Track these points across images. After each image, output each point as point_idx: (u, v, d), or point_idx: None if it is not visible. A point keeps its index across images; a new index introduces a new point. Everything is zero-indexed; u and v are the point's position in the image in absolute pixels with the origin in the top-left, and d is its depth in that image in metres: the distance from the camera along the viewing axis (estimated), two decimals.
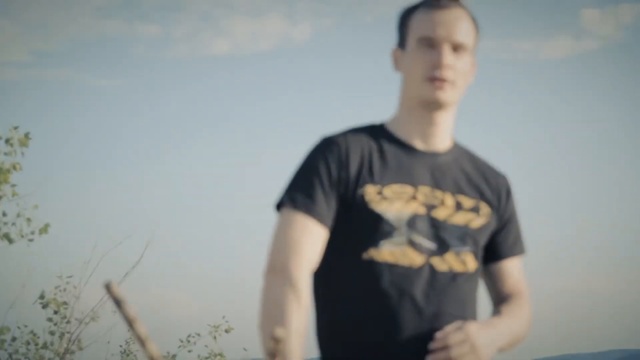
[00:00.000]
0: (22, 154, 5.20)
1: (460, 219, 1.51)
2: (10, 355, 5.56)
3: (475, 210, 1.53)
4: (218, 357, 6.10)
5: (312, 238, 1.41)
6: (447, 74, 1.47)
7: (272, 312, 1.33)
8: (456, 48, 1.50)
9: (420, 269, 1.44)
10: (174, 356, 6.11)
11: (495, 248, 1.60)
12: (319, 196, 1.43)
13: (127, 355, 7.34)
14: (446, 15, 1.52)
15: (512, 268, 1.63)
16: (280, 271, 1.36)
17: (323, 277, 1.48)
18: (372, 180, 1.47)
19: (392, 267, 1.44)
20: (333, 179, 1.45)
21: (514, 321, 1.54)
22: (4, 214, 5.27)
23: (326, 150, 1.48)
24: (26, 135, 5.16)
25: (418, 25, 1.54)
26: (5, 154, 5.10)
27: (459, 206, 1.52)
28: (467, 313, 1.48)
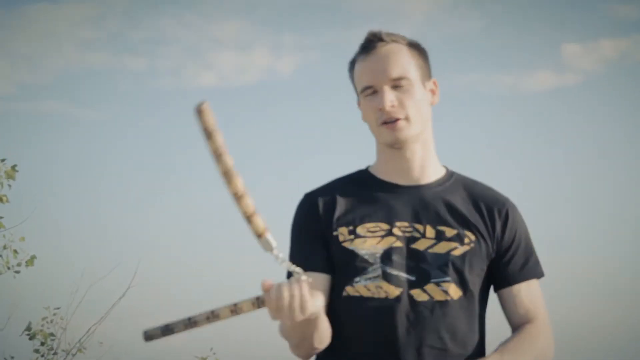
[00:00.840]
0: (9, 186, 5.30)
1: (441, 248, 1.53)
2: None
3: (457, 238, 1.54)
4: None
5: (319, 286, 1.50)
6: (393, 114, 1.50)
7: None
8: (396, 84, 1.52)
9: (397, 300, 1.47)
10: None
11: (501, 274, 1.59)
12: (311, 253, 1.53)
13: None
14: (376, 58, 1.55)
15: (521, 294, 1.60)
16: None
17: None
18: (346, 223, 1.54)
19: (367, 300, 1.48)
20: (316, 233, 1.54)
21: (516, 356, 1.50)
22: None
23: (304, 208, 1.58)
24: (13, 168, 5.27)
25: (358, 77, 1.58)
26: None
27: (440, 236, 1.54)
28: (456, 341, 1.49)
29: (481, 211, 1.57)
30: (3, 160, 5.23)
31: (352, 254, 1.51)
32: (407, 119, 1.50)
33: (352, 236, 1.53)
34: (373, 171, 1.61)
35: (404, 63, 1.53)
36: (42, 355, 5.61)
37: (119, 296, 5.63)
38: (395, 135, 1.50)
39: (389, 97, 1.48)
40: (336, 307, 1.52)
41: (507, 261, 1.57)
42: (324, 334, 1.47)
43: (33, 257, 5.45)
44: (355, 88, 1.60)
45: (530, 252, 1.61)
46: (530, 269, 1.59)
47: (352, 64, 1.61)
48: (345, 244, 1.53)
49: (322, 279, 1.51)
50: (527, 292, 1.58)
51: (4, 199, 5.25)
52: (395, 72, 1.50)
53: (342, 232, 1.54)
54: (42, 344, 5.66)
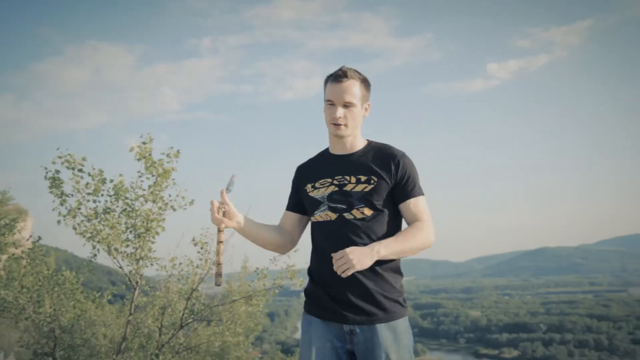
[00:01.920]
0: (177, 162, 7.64)
1: (359, 188, 2.38)
2: (179, 272, 8.40)
3: (367, 181, 2.38)
4: (292, 267, 8.52)
5: (283, 217, 2.64)
6: (340, 121, 2.37)
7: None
8: (346, 105, 2.36)
9: (335, 220, 2.39)
10: (267, 268, 8.65)
11: (398, 195, 2.40)
12: (290, 198, 2.63)
13: (245, 269, 10.90)
14: (338, 87, 2.35)
15: (410, 205, 2.39)
16: None
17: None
18: (310, 181, 2.51)
19: (320, 223, 2.44)
20: (296, 189, 2.60)
21: (402, 239, 2.30)
22: (170, 195, 7.73)
23: (294, 174, 2.63)
24: (177, 152, 7.68)
25: (327, 91, 2.39)
26: (167, 162, 7.59)
27: (358, 181, 2.38)
28: (373, 239, 2.33)
29: (383, 161, 2.41)
30: (171, 147, 7.67)
31: (313, 199, 2.47)
32: (346, 125, 2.38)
33: (312, 189, 2.48)
34: (329, 148, 2.54)
35: (354, 94, 2.35)
36: (202, 254, 8.37)
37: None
38: (337, 132, 2.39)
39: (339, 112, 2.35)
40: (311, 229, 2.53)
41: (400, 187, 2.39)
42: (259, 241, 2.50)
43: (193, 200, 7.70)
44: (324, 95, 2.41)
45: (415, 182, 2.41)
46: (415, 191, 2.40)
47: (326, 81, 2.42)
48: (310, 194, 2.49)
49: (289, 214, 2.61)
50: (414, 204, 2.39)
51: (174, 169, 7.66)
52: (347, 99, 2.34)
53: (308, 187, 2.51)
54: (202, 248, 8.36)
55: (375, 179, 2.38)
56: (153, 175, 7.60)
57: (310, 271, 2.52)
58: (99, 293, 8.94)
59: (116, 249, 7.55)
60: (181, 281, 8.88)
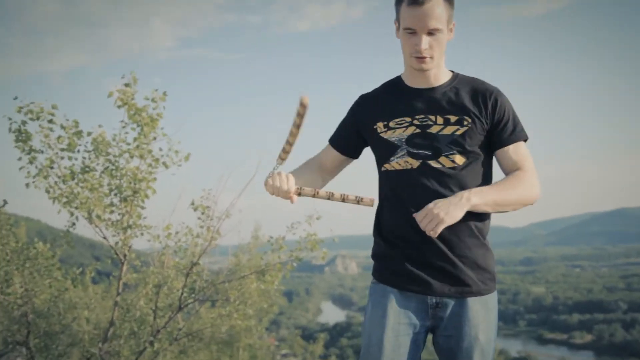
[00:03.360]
0: (164, 107, 7.71)
1: (448, 130, 2.39)
2: (175, 243, 8.58)
3: (459, 122, 2.39)
4: (313, 236, 8.75)
5: (325, 152, 2.70)
6: (425, 53, 2.36)
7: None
8: (431, 32, 2.34)
9: (418, 168, 2.39)
10: (283, 238, 8.87)
11: (495, 140, 2.43)
12: (339, 132, 2.67)
13: (256, 239, 11.03)
14: (421, 11, 2.32)
15: (509, 152, 2.42)
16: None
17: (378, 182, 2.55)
18: (382, 119, 2.49)
19: (398, 172, 2.44)
20: (352, 124, 2.60)
21: (500, 188, 2.35)
22: (160, 149, 7.77)
23: (354, 104, 2.62)
24: (164, 94, 7.69)
25: (404, 17, 2.36)
26: (153, 108, 7.60)
27: (446, 122, 2.40)
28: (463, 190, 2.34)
29: (476, 99, 2.42)
30: (156, 90, 7.68)
31: (387, 142, 2.47)
32: (432, 57, 2.39)
33: (385, 129, 2.47)
34: (404, 78, 2.54)
35: (439, 17, 2.33)
36: (203, 221, 8.55)
37: (249, 179, 8.38)
38: (421, 67, 2.41)
39: (425, 42, 2.35)
40: (381, 177, 2.53)
41: (499, 131, 2.42)
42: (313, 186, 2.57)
43: (188, 154, 7.87)
44: (397, 18, 2.42)
45: (515, 123, 2.44)
46: (517, 134, 2.43)
47: (399, 1, 2.41)
48: (382, 134, 2.48)
49: (334, 153, 2.68)
50: (515, 150, 2.42)
51: (160, 115, 7.70)
52: (432, 24, 2.32)
53: (379, 126, 2.49)
54: (202, 213, 8.49)
55: (469, 120, 2.40)
56: (138, 125, 7.64)
57: (380, 229, 2.54)
58: (80, 270, 8.99)
59: (98, 216, 7.63)
60: (179, 254, 9.00)
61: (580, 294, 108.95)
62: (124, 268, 8.37)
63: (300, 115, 2.22)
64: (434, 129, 2.40)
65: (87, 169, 7.65)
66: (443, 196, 2.33)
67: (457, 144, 2.38)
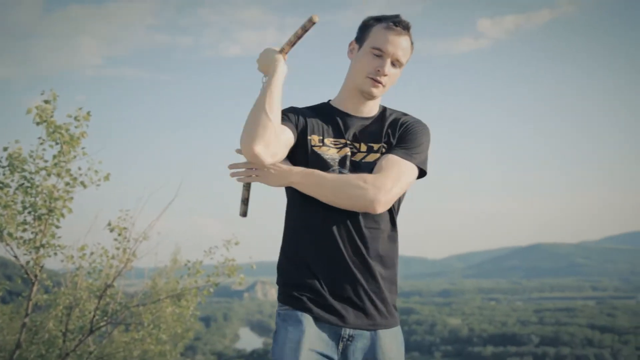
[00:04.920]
0: (87, 125, 7.60)
1: (370, 158, 2.46)
2: (90, 264, 8.52)
3: (379, 150, 2.47)
4: (231, 261, 8.84)
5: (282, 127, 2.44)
6: (383, 79, 2.42)
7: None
8: (394, 63, 2.43)
9: None
10: (200, 262, 8.89)
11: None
12: (288, 120, 2.47)
13: (174, 262, 10.91)
14: (397, 39, 2.40)
15: (381, 160, 2.43)
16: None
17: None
18: (317, 133, 2.48)
19: None
20: (293, 119, 2.50)
21: (328, 176, 2.38)
22: (80, 168, 7.66)
23: (289, 109, 2.53)
24: (88, 113, 7.60)
25: (376, 37, 2.41)
26: (76, 127, 7.48)
27: (369, 150, 2.47)
28: (378, 223, 2.43)
29: (394, 129, 2.50)
30: (80, 108, 7.57)
31: (320, 157, 2.46)
32: (385, 86, 2.46)
33: (320, 144, 2.47)
34: (334, 104, 2.58)
35: (407, 53, 2.45)
36: (119, 242, 8.47)
37: (169, 201, 8.57)
38: (371, 90, 2.46)
39: (388, 67, 2.42)
40: (292, 194, 2.50)
41: (393, 144, 2.49)
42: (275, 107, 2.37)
43: (108, 174, 7.80)
44: (364, 37, 2.47)
45: (414, 146, 2.47)
46: (403, 151, 2.45)
47: (376, 20, 2.46)
48: (315, 148, 2.47)
49: (289, 130, 2.46)
50: (385, 159, 2.43)
51: (84, 134, 7.61)
52: (400, 55, 2.42)
53: (314, 138, 2.49)
54: (119, 234, 8.43)
55: (386, 147, 2.47)
56: (57, 143, 7.51)
57: (293, 252, 2.49)
58: None
59: (10, 234, 7.43)
60: (92, 275, 8.91)
61: (495, 326, 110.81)
62: (34, 288, 8.15)
63: (304, 29, 2.40)
64: (357, 157, 2.45)
65: (0, 185, 7.46)
66: (359, 225, 2.40)
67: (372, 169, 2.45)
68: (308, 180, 2.36)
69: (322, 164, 2.44)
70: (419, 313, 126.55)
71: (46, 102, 7.39)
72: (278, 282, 2.52)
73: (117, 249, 8.63)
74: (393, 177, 2.36)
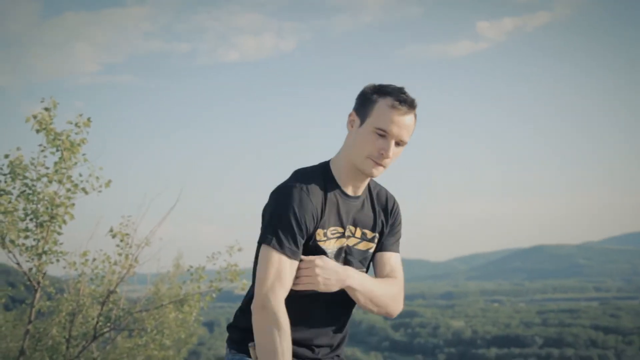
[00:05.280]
0: (87, 132, 7.65)
1: (363, 246, 2.41)
2: (92, 270, 8.56)
3: (372, 240, 2.42)
4: (234, 266, 8.83)
5: (292, 272, 2.22)
6: (385, 161, 2.28)
7: (265, 345, 2.10)
8: (398, 143, 2.28)
9: None
10: (203, 268, 8.88)
11: (382, 243, 2.45)
12: (298, 242, 2.21)
13: (177, 268, 10.92)
14: (402, 120, 2.25)
15: (391, 259, 2.44)
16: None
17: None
18: (322, 226, 2.30)
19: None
20: (305, 229, 2.23)
21: (376, 284, 2.34)
22: (80, 175, 7.71)
23: (300, 205, 2.21)
24: (88, 120, 7.67)
25: (379, 116, 2.25)
26: (76, 133, 7.55)
27: (363, 237, 2.40)
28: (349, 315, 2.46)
29: (382, 212, 2.46)
30: (81, 115, 7.65)
31: (319, 248, 2.31)
32: (386, 166, 2.32)
33: (325, 238, 2.32)
34: (334, 174, 2.37)
35: (410, 133, 2.31)
36: (121, 248, 8.48)
37: (171, 207, 8.61)
38: (373, 172, 2.31)
39: (393, 150, 2.27)
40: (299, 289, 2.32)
41: (388, 236, 2.46)
42: None
43: (109, 181, 7.84)
44: (366, 113, 2.29)
45: (400, 235, 2.50)
46: (399, 245, 2.48)
47: (379, 94, 2.29)
48: (320, 243, 2.32)
49: (293, 264, 2.22)
50: (395, 259, 2.46)
51: (84, 141, 7.65)
52: (405, 136, 2.29)
53: (319, 233, 2.31)
54: (121, 240, 8.45)
55: (378, 237, 2.47)
56: (58, 150, 7.53)
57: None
58: None
59: (12, 241, 7.46)
60: (95, 281, 8.94)
61: (498, 328, 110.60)
62: (37, 295, 8.17)
63: None
64: (351, 242, 2.40)
65: (2, 192, 7.48)
66: (346, 314, 2.45)
67: (366, 261, 2.46)
68: (363, 289, 2.32)
69: (319, 254, 2.33)
70: (422, 315, 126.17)
71: (46, 109, 7.43)
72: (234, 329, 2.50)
73: (120, 255, 8.63)
74: (403, 279, 2.48)
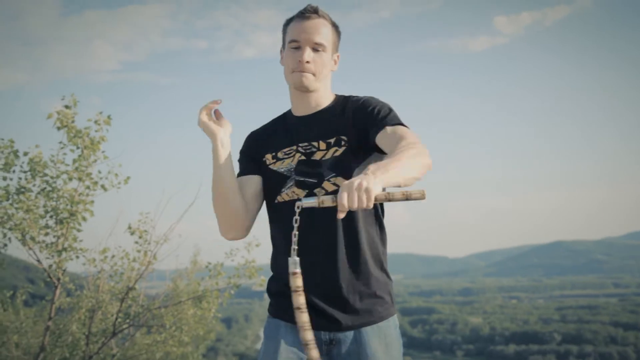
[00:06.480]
0: (107, 130, 7.70)
1: (329, 154, 2.32)
2: (111, 267, 8.62)
3: (337, 143, 2.33)
4: (252, 263, 8.96)
5: (241, 184, 2.39)
6: (307, 67, 2.32)
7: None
8: (315, 48, 2.33)
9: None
10: (221, 264, 8.99)
11: (370, 134, 2.28)
12: (243, 164, 2.47)
13: (195, 264, 10.97)
14: (307, 24, 2.32)
15: (387, 132, 2.21)
16: None
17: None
18: (269, 150, 2.44)
19: (286, 203, 2.34)
20: (246, 155, 2.49)
21: (395, 157, 1.95)
22: (100, 172, 7.79)
23: (243, 145, 2.53)
24: (108, 117, 7.72)
25: (289, 32, 2.36)
26: (96, 131, 7.59)
27: (328, 146, 2.34)
28: (352, 222, 2.29)
29: (349, 113, 2.38)
30: (101, 112, 7.70)
31: (276, 173, 2.39)
32: (314, 74, 2.34)
33: (274, 160, 2.42)
34: (292, 109, 2.49)
35: (325, 35, 2.34)
36: (140, 245, 8.56)
37: (190, 203, 8.53)
38: (302, 81, 2.34)
39: (308, 54, 2.32)
40: (272, 211, 2.42)
41: (370, 123, 2.29)
42: (230, 190, 2.33)
43: (128, 178, 7.83)
44: (284, 40, 2.41)
45: (387, 113, 2.29)
46: (391, 119, 2.26)
47: (288, 21, 2.40)
48: (270, 166, 2.42)
49: (248, 179, 2.42)
50: (393, 130, 2.21)
51: (104, 138, 7.70)
52: (317, 39, 2.32)
53: (268, 158, 2.44)
54: (140, 237, 8.51)
55: (346, 138, 2.33)
56: (78, 147, 7.58)
57: (273, 265, 2.45)
58: (11, 293, 8.88)
59: (32, 238, 7.52)
60: (114, 278, 8.96)
61: (517, 325, 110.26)
62: (57, 292, 8.23)
63: (410, 198, 1.84)
64: (317, 155, 2.34)
65: (22, 190, 7.54)
66: (331, 228, 2.25)
67: (338, 166, 2.29)
68: (388, 174, 1.85)
69: (279, 180, 2.37)
70: (440, 312, 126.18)
71: (67, 107, 7.48)
72: None
73: (138, 251, 8.70)
74: (416, 136, 2.17)
